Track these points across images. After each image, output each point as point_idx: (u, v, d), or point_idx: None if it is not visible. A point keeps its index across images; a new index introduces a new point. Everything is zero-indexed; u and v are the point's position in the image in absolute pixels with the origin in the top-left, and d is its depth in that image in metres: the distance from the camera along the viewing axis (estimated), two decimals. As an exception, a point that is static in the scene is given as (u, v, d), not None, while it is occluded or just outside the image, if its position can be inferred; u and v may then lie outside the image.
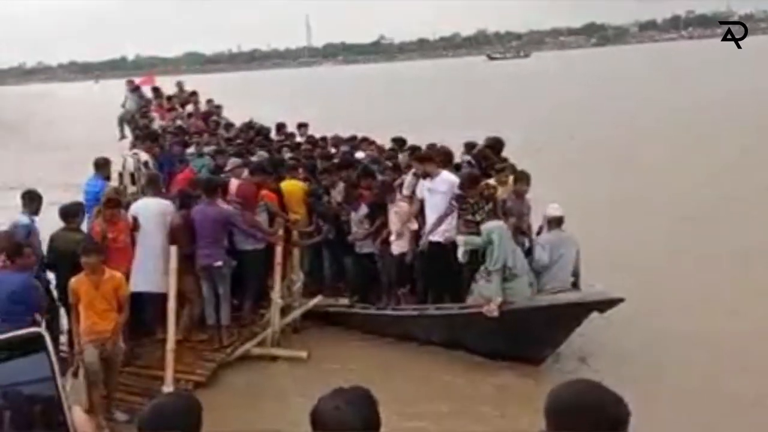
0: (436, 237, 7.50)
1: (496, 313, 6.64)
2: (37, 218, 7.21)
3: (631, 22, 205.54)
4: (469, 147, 8.97)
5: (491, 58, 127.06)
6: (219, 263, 7.36)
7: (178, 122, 13.75)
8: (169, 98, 16.03)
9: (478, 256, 7.05)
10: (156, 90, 16.74)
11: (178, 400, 2.40)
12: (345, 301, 8.27)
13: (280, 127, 12.58)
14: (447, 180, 7.51)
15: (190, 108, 15.23)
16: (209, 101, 15.73)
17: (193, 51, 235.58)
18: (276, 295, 7.70)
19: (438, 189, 7.48)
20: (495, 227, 6.84)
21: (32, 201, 7.25)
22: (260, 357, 7.47)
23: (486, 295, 6.79)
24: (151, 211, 7.40)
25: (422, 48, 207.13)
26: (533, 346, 6.86)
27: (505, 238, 6.82)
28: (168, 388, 6.21)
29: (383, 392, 2.18)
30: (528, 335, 6.70)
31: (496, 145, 8.63)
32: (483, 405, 6.39)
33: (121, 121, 16.33)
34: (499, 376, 6.83)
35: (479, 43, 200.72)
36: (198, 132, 12.31)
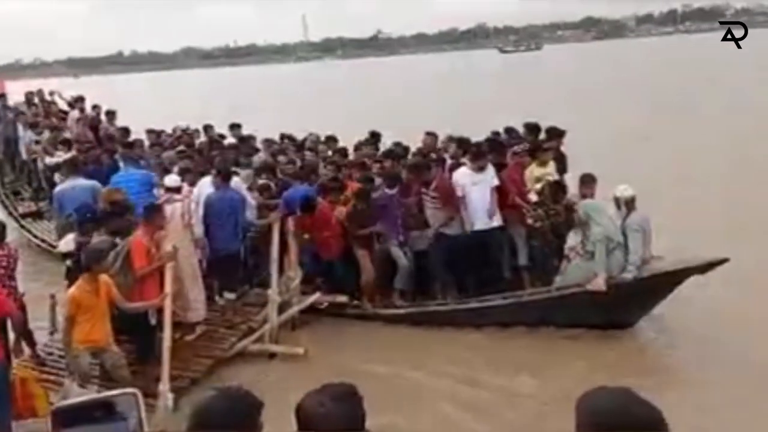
0: (479, 225, 7.87)
1: (604, 288, 6.72)
2: None
3: (628, 15, 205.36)
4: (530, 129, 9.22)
5: (503, 51, 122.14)
6: None
7: (66, 134, 12.56)
8: (34, 105, 14.94)
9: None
10: (28, 97, 15.34)
11: (224, 401, 2.17)
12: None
13: (207, 128, 11.89)
14: (491, 172, 7.99)
15: (76, 114, 13.85)
16: (95, 107, 14.36)
17: (190, 46, 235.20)
18: (273, 292, 7.65)
19: (485, 180, 7.89)
20: (592, 204, 7.09)
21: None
22: (258, 354, 7.41)
23: (581, 274, 6.93)
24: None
25: (421, 42, 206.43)
26: (629, 314, 7.12)
27: (603, 211, 6.98)
28: (164, 385, 6.16)
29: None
30: (627, 305, 6.92)
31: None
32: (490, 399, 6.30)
33: None
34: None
35: (477, 37, 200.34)
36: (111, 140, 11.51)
